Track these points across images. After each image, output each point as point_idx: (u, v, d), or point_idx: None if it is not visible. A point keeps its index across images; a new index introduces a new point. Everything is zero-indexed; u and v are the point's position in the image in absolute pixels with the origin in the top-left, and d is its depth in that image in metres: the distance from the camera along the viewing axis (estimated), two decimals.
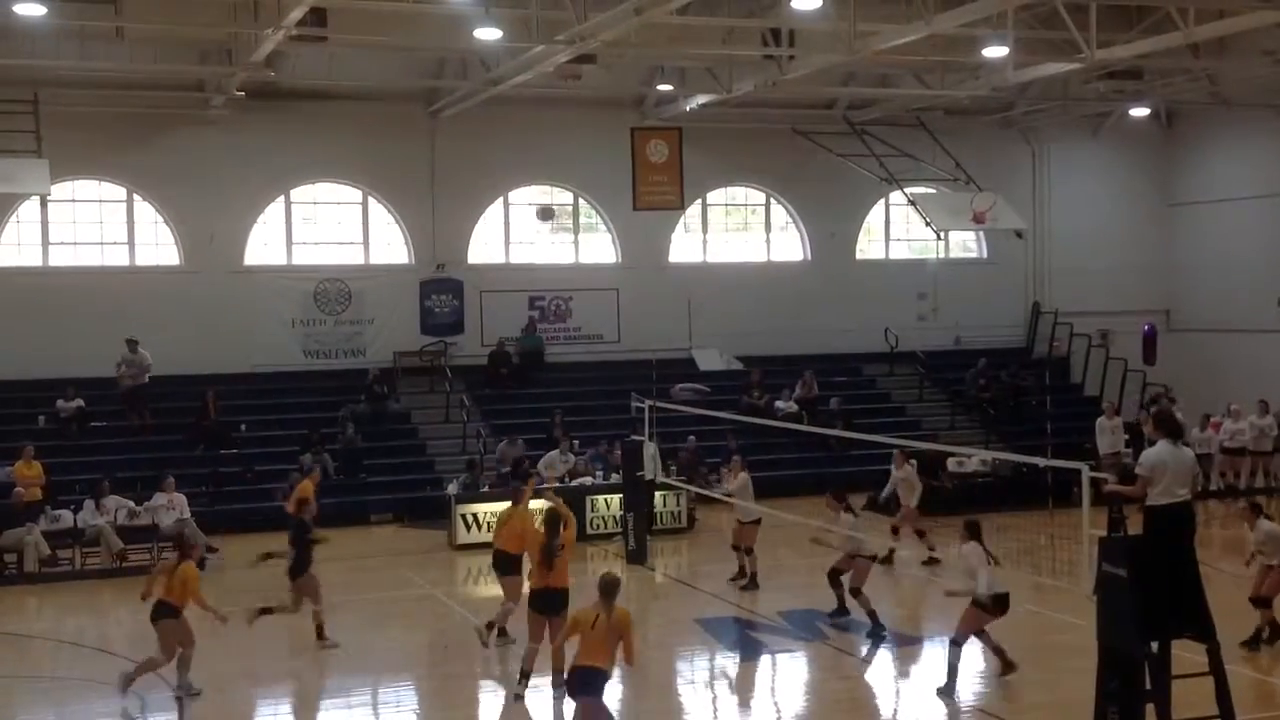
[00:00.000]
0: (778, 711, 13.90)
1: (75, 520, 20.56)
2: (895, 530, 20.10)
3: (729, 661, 15.30)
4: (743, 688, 14.36)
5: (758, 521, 18.48)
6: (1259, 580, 14.92)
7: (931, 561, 19.80)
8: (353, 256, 28.36)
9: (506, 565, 15.12)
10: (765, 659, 15.42)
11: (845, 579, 16.24)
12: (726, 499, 19.42)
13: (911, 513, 20.08)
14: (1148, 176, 32.81)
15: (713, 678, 14.98)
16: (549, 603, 13.22)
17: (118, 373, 24.97)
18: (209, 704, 13.68)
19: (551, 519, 13.48)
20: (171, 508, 20.89)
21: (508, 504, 15.80)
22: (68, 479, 22.52)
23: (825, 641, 15.48)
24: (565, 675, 11.68)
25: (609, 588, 11.01)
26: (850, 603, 16.16)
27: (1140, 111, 30.46)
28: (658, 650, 15.08)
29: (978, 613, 13.34)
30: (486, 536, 21.59)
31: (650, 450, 20.92)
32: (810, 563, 19.33)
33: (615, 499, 21.90)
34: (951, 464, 24.73)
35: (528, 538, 14.30)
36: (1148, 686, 10.79)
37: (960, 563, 13.83)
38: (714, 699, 14.36)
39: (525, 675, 13.34)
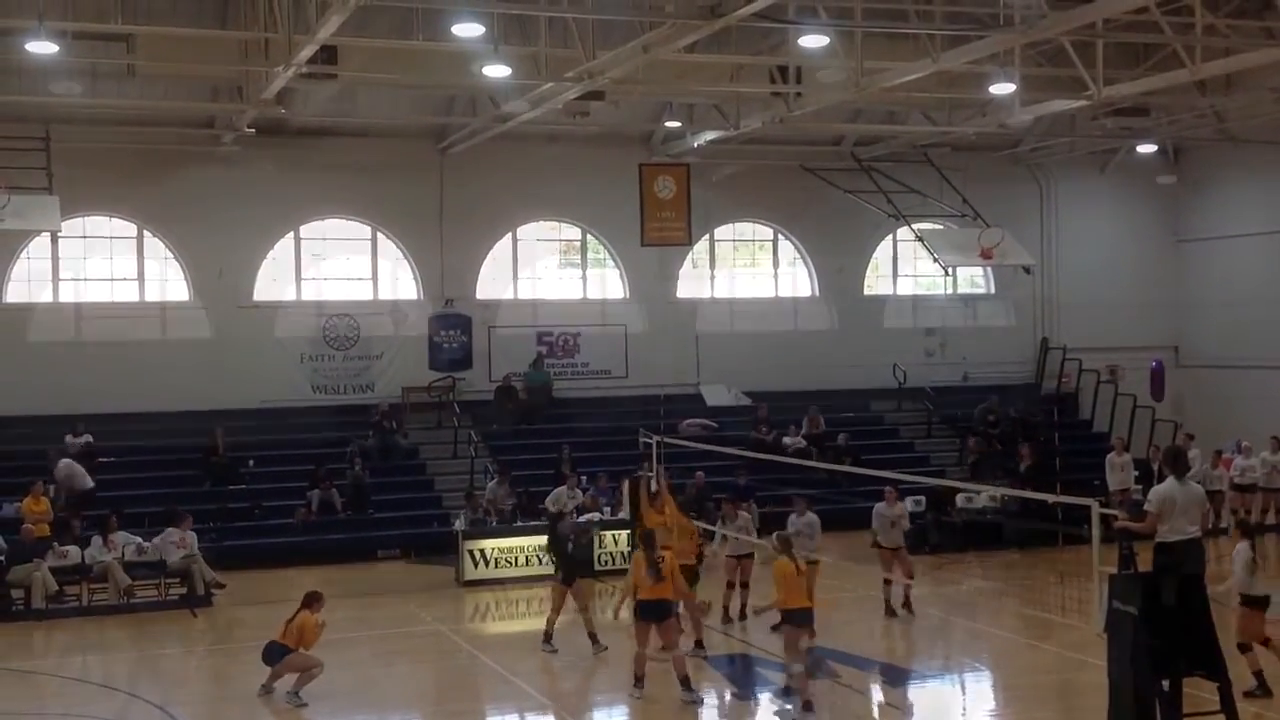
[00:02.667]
0: None
1: (83, 556, 20.49)
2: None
3: (732, 698, 15.19)
4: None
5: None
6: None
7: (698, 649, 16.31)
8: (362, 292, 28.45)
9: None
10: (768, 695, 15.24)
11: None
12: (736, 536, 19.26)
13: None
14: (1155, 212, 32.81)
15: (716, 715, 14.85)
16: (651, 611, 14.43)
17: (57, 478, 23.24)
18: None
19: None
20: (181, 544, 20.83)
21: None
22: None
23: (835, 680, 15.36)
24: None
25: (785, 544, 13.97)
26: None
27: (1147, 148, 30.48)
28: (659, 687, 14.96)
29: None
30: (494, 572, 21.74)
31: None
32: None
33: (623, 534, 21.83)
34: (960, 500, 24.65)
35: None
36: None
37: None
38: None
39: (638, 679, 14.41)
